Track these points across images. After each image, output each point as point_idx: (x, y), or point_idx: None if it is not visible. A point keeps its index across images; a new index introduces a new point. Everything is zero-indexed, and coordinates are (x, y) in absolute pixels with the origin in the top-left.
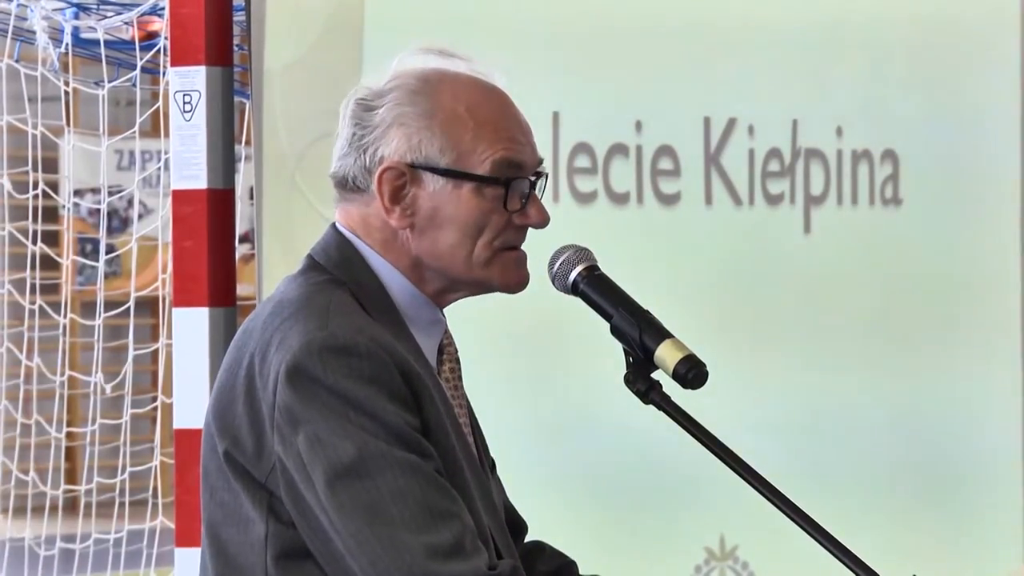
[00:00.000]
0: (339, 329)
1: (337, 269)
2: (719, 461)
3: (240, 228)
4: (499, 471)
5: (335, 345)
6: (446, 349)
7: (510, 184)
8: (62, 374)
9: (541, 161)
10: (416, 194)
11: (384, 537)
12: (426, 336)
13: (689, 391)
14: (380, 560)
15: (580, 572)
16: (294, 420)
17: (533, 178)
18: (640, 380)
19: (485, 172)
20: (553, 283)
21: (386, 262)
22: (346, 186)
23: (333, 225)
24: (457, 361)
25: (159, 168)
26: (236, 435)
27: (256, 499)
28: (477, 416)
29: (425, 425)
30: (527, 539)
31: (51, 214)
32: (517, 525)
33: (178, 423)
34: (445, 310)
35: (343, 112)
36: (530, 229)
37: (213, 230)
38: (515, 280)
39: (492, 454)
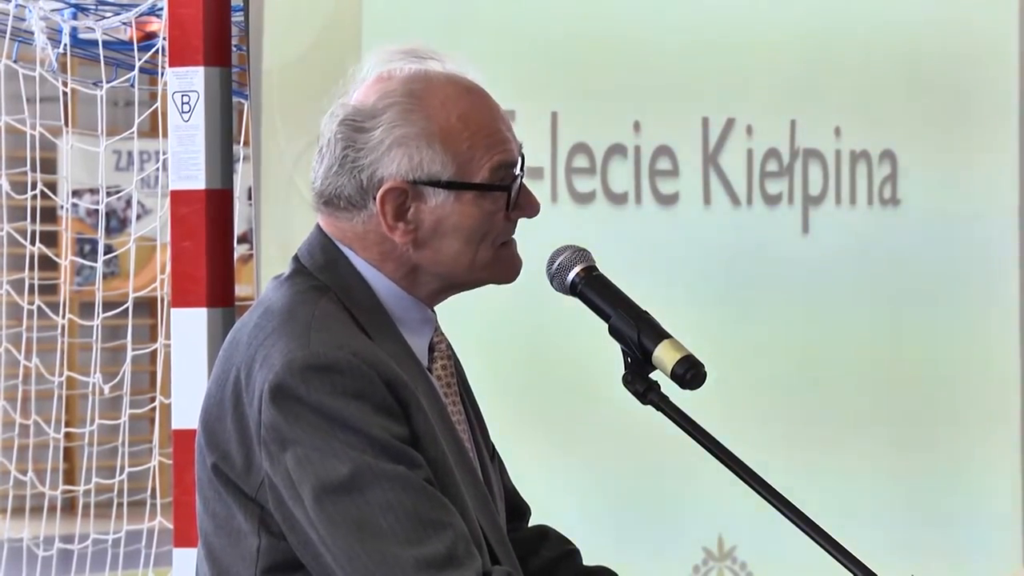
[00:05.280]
0: (320, 346)
1: (322, 273)
2: (717, 461)
3: (238, 228)
4: None
5: (317, 363)
6: (437, 346)
7: (510, 188)
8: (60, 375)
9: (521, 146)
10: (419, 208)
11: (375, 552)
12: (416, 335)
13: (687, 391)
14: (372, 575)
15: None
16: (281, 439)
17: (520, 169)
18: (638, 380)
19: (484, 179)
20: (551, 283)
21: (373, 266)
22: (337, 204)
23: (318, 226)
24: (450, 357)
25: (157, 168)
26: (225, 449)
27: (248, 512)
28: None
29: (414, 434)
30: (532, 523)
31: (49, 214)
32: (520, 508)
33: (176, 424)
34: (442, 309)
35: (327, 132)
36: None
37: (211, 230)
38: (514, 272)
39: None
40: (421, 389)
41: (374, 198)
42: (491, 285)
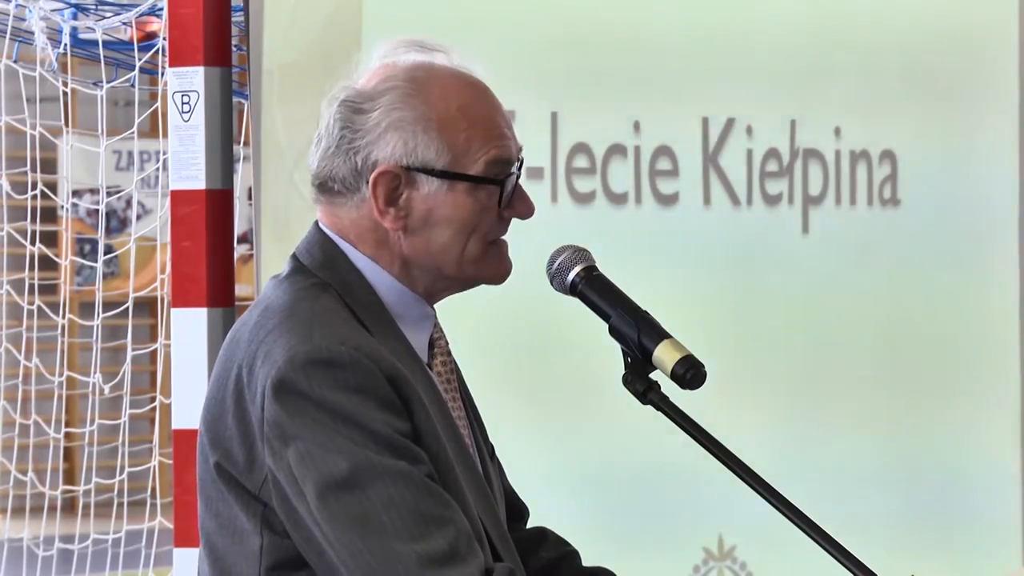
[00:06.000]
0: (323, 341)
1: (322, 270)
2: (717, 461)
3: (239, 228)
4: None
5: (319, 358)
6: (437, 343)
7: (503, 183)
8: (60, 375)
9: (520, 148)
10: (410, 195)
11: (377, 548)
12: (416, 332)
13: (687, 391)
14: (374, 571)
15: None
16: (283, 435)
17: (517, 168)
18: (638, 380)
19: (479, 172)
20: (551, 283)
21: (372, 261)
22: (332, 188)
23: (316, 223)
24: (449, 354)
25: (157, 168)
26: (227, 447)
27: (250, 510)
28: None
29: (415, 430)
30: (530, 525)
31: (49, 215)
32: (518, 509)
33: (176, 423)
34: (442, 308)
35: (326, 113)
36: (517, 220)
37: (212, 230)
38: (502, 271)
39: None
40: (422, 385)
41: (367, 181)
42: (487, 285)
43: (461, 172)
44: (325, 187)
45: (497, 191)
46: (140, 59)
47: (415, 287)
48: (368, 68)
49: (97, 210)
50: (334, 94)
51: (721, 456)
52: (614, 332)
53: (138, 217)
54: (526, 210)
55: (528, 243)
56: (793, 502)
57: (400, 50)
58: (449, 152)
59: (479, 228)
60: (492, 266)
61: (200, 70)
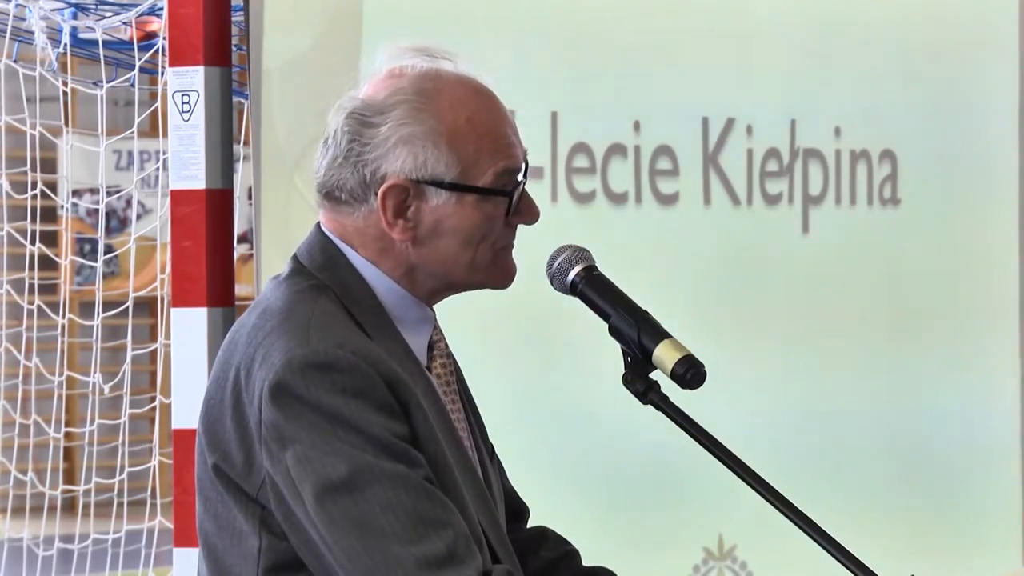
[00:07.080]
0: (320, 344)
1: (321, 272)
2: (717, 461)
3: (239, 228)
4: None
5: (317, 361)
6: (436, 345)
7: (512, 193)
8: (60, 374)
9: (526, 152)
10: (419, 207)
11: (375, 551)
12: (415, 334)
13: (687, 391)
14: (372, 574)
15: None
16: (281, 438)
17: (523, 175)
18: (638, 380)
19: (488, 184)
20: (551, 283)
21: (373, 265)
22: (338, 198)
23: (318, 225)
24: (449, 355)
25: (157, 168)
26: (225, 450)
27: (248, 512)
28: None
29: (413, 433)
30: (531, 525)
31: (49, 214)
32: (518, 509)
33: (176, 423)
34: (441, 308)
35: (334, 123)
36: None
37: (212, 230)
38: (509, 277)
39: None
40: (420, 388)
41: (376, 194)
42: (493, 290)
43: (471, 184)
44: (331, 196)
45: (506, 201)
46: (140, 59)
47: (417, 291)
48: (374, 75)
49: (97, 210)
50: (341, 103)
51: (721, 456)
52: (614, 332)
53: (138, 217)
54: (532, 216)
55: (529, 243)
56: (791, 501)
57: (406, 57)
58: (458, 165)
59: (488, 237)
60: (500, 273)
61: (200, 70)
